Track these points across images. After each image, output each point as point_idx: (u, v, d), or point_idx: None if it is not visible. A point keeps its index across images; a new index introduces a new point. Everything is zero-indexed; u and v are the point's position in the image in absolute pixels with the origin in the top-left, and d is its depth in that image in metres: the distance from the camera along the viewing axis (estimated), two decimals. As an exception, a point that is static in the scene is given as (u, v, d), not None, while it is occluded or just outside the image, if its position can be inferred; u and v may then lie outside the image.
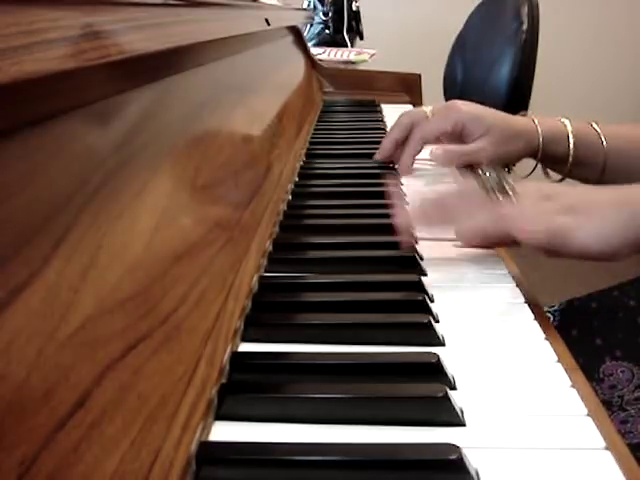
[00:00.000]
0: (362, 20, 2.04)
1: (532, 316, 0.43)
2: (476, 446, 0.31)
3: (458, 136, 0.68)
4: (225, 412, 0.33)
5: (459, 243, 0.54)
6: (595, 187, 0.50)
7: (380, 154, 0.77)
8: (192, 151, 0.45)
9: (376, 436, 0.32)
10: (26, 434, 0.20)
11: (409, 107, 1.30)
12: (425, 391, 0.34)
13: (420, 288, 0.46)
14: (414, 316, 0.42)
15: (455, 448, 0.29)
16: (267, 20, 0.82)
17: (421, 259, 0.52)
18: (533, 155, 0.69)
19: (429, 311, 0.43)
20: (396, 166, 0.76)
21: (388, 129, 1.04)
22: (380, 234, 0.57)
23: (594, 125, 0.67)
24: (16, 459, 0.19)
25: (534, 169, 0.72)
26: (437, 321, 0.43)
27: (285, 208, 0.64)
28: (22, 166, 0.24)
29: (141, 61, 0.35)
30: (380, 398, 0.33)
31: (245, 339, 0.40)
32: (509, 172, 0.72)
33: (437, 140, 0.71)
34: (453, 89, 1.71)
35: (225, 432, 0.32)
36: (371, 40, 2.05)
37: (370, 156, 0.80)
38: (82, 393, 0.24)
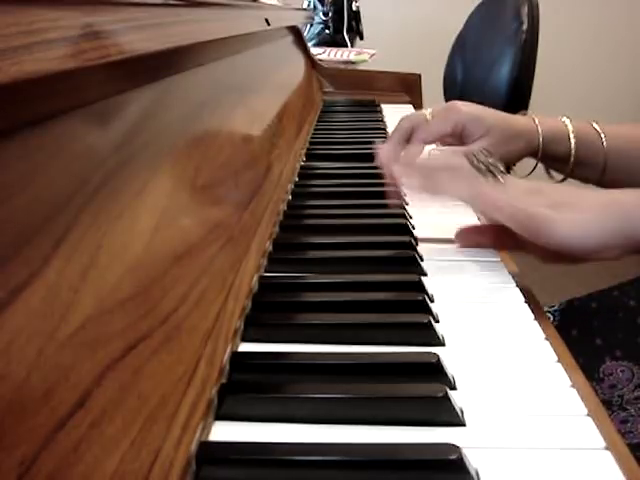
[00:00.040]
0: (362, 20, 2.04)
1: (532, 316, 0.43)
2: (476, 446, 0.31)
3: (458, 137, 0.68)
4: (225, 412, 0.33)
5: (459, 243, 0.54)
6: (587, 189, 0.50)
7: (381, 159, 0.77)
8: (192, 151, 0.45)
9: (376, 436, 0.32)
10: (26, 434, 0.20)
11: (409, 107, 1.30)
12: (425, 391, 0.34)
13: (420, 288, 0.46)
14: (414, 316, 0.42)
15: (455, 448, 0.29)
16: (267, 20, 0.82)
17: (421, 259, 0.52)
18: (534, 155, 0.68)
19: (429, 311, 0.43)
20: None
21: (388, 129, 1.04)
22: (380, 234, 0.57)
23: (594, 125, 0.67)
24: (16, 459, 0.19)
25: (534, 169, 0.72)
26: (437, 321, 0.43)
27: (285, 208, 0.64)
28: (22, 166, 0.24)
29: (141, 61, 0.35)
30: (380, 398, 0.33)
31: (245, 339, 0.40)
32: (509, 172, 0.72)
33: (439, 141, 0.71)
34: (453, 89, 1.71)
35: (225, 432, 0.32)
36: (371, 40, 2.05)
37: (370, 156, 0.80)
38: (82, 393, 0.24)
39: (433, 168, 0.54)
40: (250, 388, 0.35)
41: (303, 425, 0.32)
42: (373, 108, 1.25)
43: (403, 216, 0.62)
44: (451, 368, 0.37)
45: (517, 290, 0.47)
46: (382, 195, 0.65)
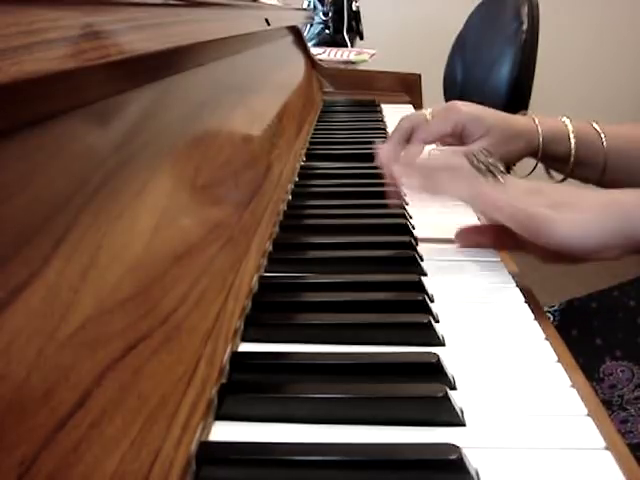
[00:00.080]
0: (362, 20, 2.04)
1: (532, 316, 0.43)
2: (476, 446, 0.31)
3: (458, 137, 0.68)
4: (225, 412, 0.33)
5: (459, 243, 0.54)
6: (587, 189, 0.50)
7: (381, 159, 0.77)
8: (192, 151, 0.45)
9: (376, 436, 0.32)
10: (26, 434, 0.20)
11: (409, 107, 1.30)
12: (425, 391, 0.34)
13: (420, 288, 0.46)
14: (414, 316, 0.42)
15: (455, 448, 0.29)
16: (267, 20, 0.82)
17: (421, 259, 0.52)
18: (534, 155, 0.68)
19: (429, 311, 0.43)
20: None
21: (388, 129, 1.04)
22: (380, 234, 0.57)
23: (594, 125, 0.67)
24: (16, 459, 0.19)
25: (534, 169, 0.72)
26: (437, 321, 0.43)
27: (285, 208, 0.64)
28: (22, 166, 0.24)
29: (141, 61, 0.35)
30: (380, 398, 0.33)
31: (245, 339, 0.40)
32: (509, 172, 0.72)
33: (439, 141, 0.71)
34: (453, 89, 1.71)
35: (225, 432, 0.32)
36: (371, 40, 2.05)
37: (370, 156, 0.80)
38: (82, 393, 0.24)
39: (433, 168, 0.54)
40: (250, 388, 0.35)
41: (303, 425, 0.32)
42: (373, 108, 1.25)
43: (403, 216, 0.62)
44: (451, 368, 0.37)
45: (517, 290, 0.47)
46: (382, 195, 0.65)
